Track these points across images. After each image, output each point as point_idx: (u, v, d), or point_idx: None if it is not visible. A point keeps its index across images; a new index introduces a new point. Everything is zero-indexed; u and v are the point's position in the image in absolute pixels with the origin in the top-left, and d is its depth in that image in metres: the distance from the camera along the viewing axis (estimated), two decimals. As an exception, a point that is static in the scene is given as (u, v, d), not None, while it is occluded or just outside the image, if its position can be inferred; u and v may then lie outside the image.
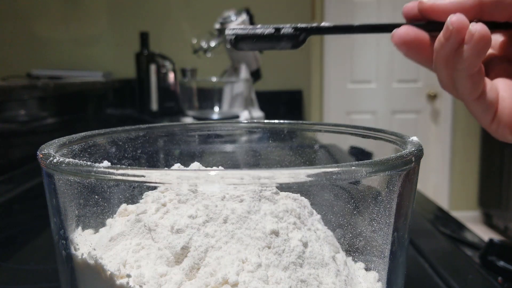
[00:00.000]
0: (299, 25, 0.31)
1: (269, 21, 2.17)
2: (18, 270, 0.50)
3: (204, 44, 1.46)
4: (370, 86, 2.81)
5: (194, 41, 1.50)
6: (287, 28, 0.30)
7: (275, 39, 0.31)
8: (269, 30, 0.30)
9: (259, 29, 0.30)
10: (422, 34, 0.31)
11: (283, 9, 2.36)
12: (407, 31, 0.31)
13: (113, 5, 2.31)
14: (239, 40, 0.31)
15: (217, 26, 1.42)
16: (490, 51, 0.33)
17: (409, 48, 0.31)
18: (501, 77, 0.31)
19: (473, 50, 0.28)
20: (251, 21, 1.42)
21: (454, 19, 0.28)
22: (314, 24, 0.31)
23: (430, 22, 0.31)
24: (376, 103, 2.82)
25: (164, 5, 2.32)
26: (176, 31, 2.30)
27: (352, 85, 2.82)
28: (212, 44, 1.44)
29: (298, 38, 0.31)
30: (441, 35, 0.29)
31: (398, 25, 0.31)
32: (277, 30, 0.30)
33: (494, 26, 0.31)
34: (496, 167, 2.62)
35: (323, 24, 0.32)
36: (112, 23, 2.32)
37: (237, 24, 1.37)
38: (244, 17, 1.40)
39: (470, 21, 0.29)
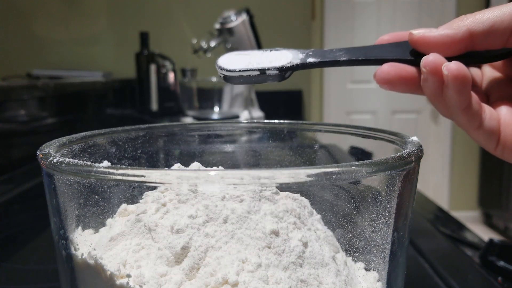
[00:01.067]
0: (284, 65, 0.31)
1: (269, 21, 2.17)
2: (18, 270, 0.50)
3: (204, 44, 1.46)
4: (370, 86, 2.81)
5: (194, 41, 1.49)
6: (271, 70, 0.31)
7: (261, 78, 0.31)
8: (255, 72, 0.31)
9: (245, 71, 0.31)
10: (406, 70, 0.30)
11: (283, 9, 2.36)
12: (387, 70, 0.30)
13: (113, 5, 2.31)
14: (228, 79, 0.32)
15: (217, 26, 1.42)
16: (491, 73, 0.32)
17: (392, 86, 0.30)
18: (504, 101, 0.30)
19: (453, 90, 0.27)
20: (251, 21, 1.42)
21: (427, 61, 0.28)
22: (299, 62, 0.31)
23: (416, 58, 0.30)
24: (376, 103, 2.82)
25: (164, 5, 2.32)
26: (176, 31, 2.30)
27: (352, 85, 2.82)
28: (212, 44, 1.44)
29: (283, 75, 0.31)
30: (422, 75, 0.28)
31: (385, 60, 0.31)
32: (263, 72, 0.31)
33: (487, 58, 0.30)
34: (496, 167, 2.62)
35: (308, 60, 0.31)
36: (112, 23, 2.32)
37: (237, 23, 1.37)
38: (244, 17, 1.40)
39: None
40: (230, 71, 0.31)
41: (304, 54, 0.32)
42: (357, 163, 0.23)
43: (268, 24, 2.13)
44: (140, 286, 0.24)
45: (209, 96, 1.44)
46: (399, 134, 0.32)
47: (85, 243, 0.27)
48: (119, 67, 2.21)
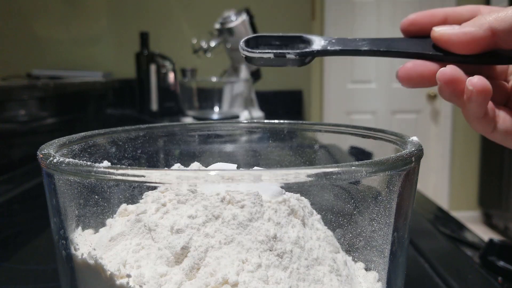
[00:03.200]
0: (303, 50, 0.31)
1: (269, 21, 2.17)
2: (18, 270, 0.50)
3: (204, 44, 1.46)
4: (370, 86, 2.81)
5: (194, 41, 1.49)
6: (291, 54, 0.31)
7: (281, 61, 0.32)
8: (275, 54, 0.31)
9: (266, 53, 0.31)
10: (429, 68, 0.30)
11: (283, 9, 2.36)
12: (409, 69, 0.30)
13: (113, 5, 2.31)
14: (249, 60, 0.32)
15: (217, 26, 1.42)
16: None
17: (413, 84, 0.30)
18: None
19: (475, 104, 0.27)
20: (251, 21, 1.42)
21: (442, 75, 0.28)
22: (319, 48, 0.31)
23: (439, 53, 0.30)
24: (376, 103, 2.82)
25: (164, 5, 2.32)
26: (176, 31, 2.30)
27: (352, 85, 2.82)
28: (212, 44, 1.44)
29: (303, 60, 0.31)
30: (438, 85, 0.29)
31: (407, 53, 0.31)
32: (282, 55, 0.31)
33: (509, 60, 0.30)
34: (496, 167, 2.62)
35: (329, 47, 0.31)
36: (112, 23, 2.32)
37: (237, 23, 1.37)
38: (244, 17, 1.40)
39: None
40: (251, 51, 0.31)
41: (327, 41, 0.32)
42: (357, 163, 0.23)
43: (268, 24, 2.13)
44: (140, 286, 0.24)
45: (209, 96, 1.44)
46: (399, 134, 0.32)
47: (85, 243, 0.27)
48: (119, 67, 2.21)
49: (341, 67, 2.76)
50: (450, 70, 0.28)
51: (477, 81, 0.27)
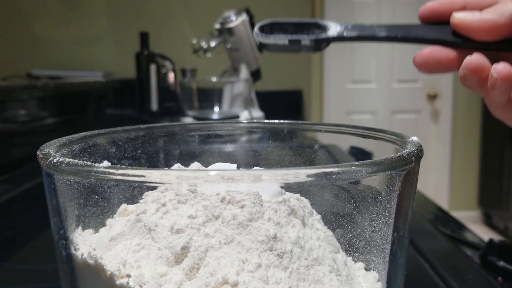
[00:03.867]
0: (318, 37, 0.31)
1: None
2: (18, 270, 0.50)
3: (204, 44, 1.46)
4: (370, 86, 2.82)
5: (194, 41, 1.49)
6: (306, 41, 0.31)
7: (296, 48, 0.31)
8: (290, 40, 0.31)
9: (281, 39, 0.31)
10: (446, 55, 0.30)
11: (283, 9, 2.36)
12: (426, 56, 0.30)
13: (113, 5, 2.31)
14: (263, 46, 0.32)
15: (217, 26, 1.42)
16: None
17: (430, 70, 0.30)
18: None
19: (498, 91, 0.27)
20: (251, 21, 1.42)
21: (468, 63, 0.27)
22: (335, 35, 0.31)
23: (458, 39, 0.30)
24: (376, 103, 2.82)
25: (164, 5, 2.32)
26: (176, 31, 2.30)
27: (352, 85, 2.82)
28: (212, 44, 1.44)
29: (318, 47, 0.31)
30: (460, 72, 0.28)
31: (425, 39, 0.30)
32: (297, 42, 0.31)
33: None
34: (496, 167, 2.62)
35: (345, 33, 0.31)
36: (112, 23, 2.32)
37: (237, 23, 1.37)
38: (244, 17, 1.40)
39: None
40: (265, 37, 0.31)
41: (343, 27, 0.31)
42: (357, 163, 0.23)
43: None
44: (140, 286, 0.24)
45: (209, 96, 1.44)
46: (399, 134, 0.32)
47: (85, 243, 0.27)
48: (119, 67, 2.21)
49: (341, 67, 2.77)
50: (476, 58, 0.27)
51: (502, 68, 0.27)
